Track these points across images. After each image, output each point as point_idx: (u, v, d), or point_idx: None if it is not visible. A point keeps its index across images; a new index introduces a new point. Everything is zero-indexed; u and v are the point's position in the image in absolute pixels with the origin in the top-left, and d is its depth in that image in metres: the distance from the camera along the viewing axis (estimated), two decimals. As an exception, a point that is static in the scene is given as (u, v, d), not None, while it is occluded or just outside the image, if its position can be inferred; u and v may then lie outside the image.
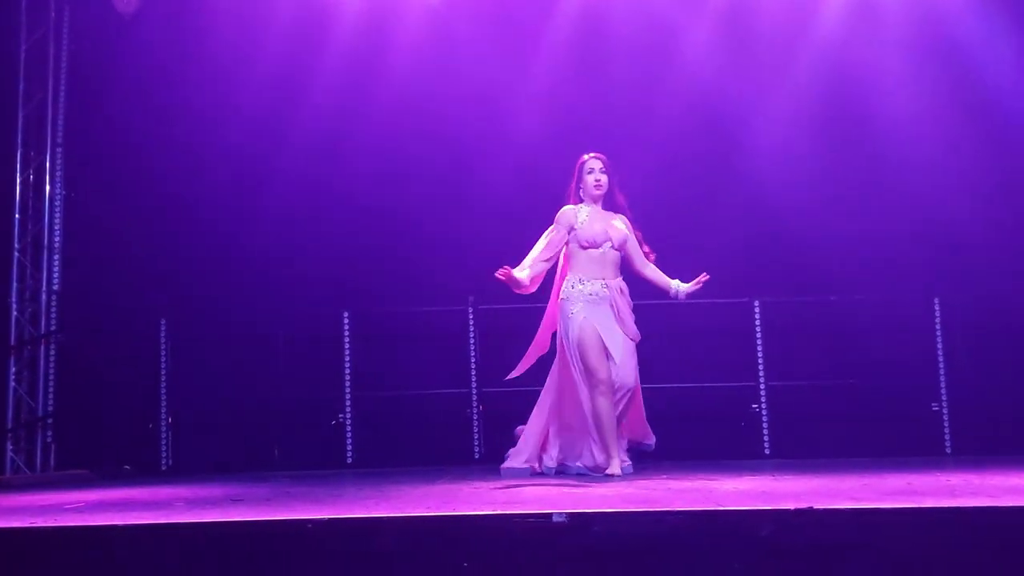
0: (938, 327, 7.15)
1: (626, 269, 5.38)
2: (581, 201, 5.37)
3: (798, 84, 7.36)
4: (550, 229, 5.30)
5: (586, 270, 5.22)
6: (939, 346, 7.13)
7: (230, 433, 7.14)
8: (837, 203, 7.21)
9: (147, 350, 7.21)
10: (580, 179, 5.37)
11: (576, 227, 5.25)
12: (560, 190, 7.15)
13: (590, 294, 5.18)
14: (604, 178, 5.32)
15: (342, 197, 7.35)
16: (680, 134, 7.24)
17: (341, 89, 7.39)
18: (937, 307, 7.16)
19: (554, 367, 5.31)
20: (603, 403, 5.04)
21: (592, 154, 5.38)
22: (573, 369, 5.13)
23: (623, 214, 5.40)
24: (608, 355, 5.10)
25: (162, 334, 7.21)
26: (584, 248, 5.23)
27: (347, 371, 7.16)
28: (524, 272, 5.12)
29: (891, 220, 7.26)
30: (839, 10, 7.40)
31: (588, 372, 5.08)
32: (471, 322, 7.20)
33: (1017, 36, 7.28)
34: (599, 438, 5.06)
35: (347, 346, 7.18)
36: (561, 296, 5.26)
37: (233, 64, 7.35)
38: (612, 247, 5.26)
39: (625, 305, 5.24)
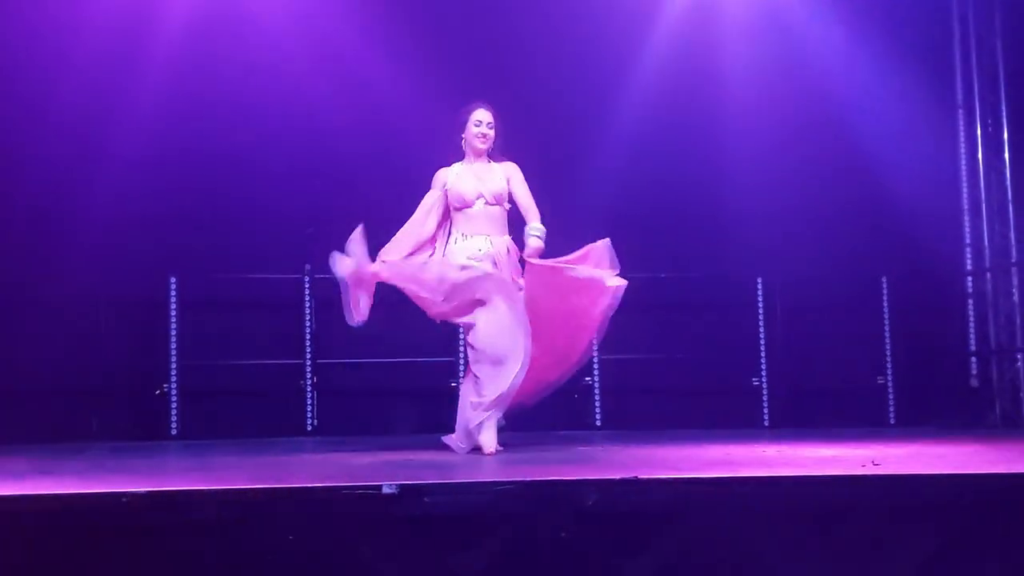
0: (760, 305, 7.49)
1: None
2: (464, 156, 5.00)
3: (644, 63, 7.52)
4: (428, 194, 4.97)
5: (466, 227, 4.87)
6: (760, 323, 7.47)
7: (44, 402, 6.71)
8: (669, 182, 7.43)
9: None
10: (464, 129, 4.96)
11: (448, 186, 4.93)
12: (407, 154, 7.12)
13: (476, 249, 4.81)
14: (491, 132, 4.95)
15: (170, 156, 7.01)
16: (526, 111, 7.26)
17: (173, 45, 7.04)
18: (759, 286, 7.50)
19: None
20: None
21: (479, 104, 4.99)
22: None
23: (514, 163, 5.01)
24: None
25: (-33, 295, 6.72)
26: (458, 209, 4.89)
27: (173, 338, 6.87)
28: (392, 256, 4.79)
29: (720, 201, 7.55)
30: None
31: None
32: (307, 291, 7.04)
33: (848, 25, 7.68)
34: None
35: (173, 312, 6.89)
36: (443, 254, 4.88)
37: (59, 20, 6.90)
38: (487, 203, 4.89)
39: (509, 265, 4.87)
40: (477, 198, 4.91)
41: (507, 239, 4.97)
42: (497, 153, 5.04)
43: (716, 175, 7.56)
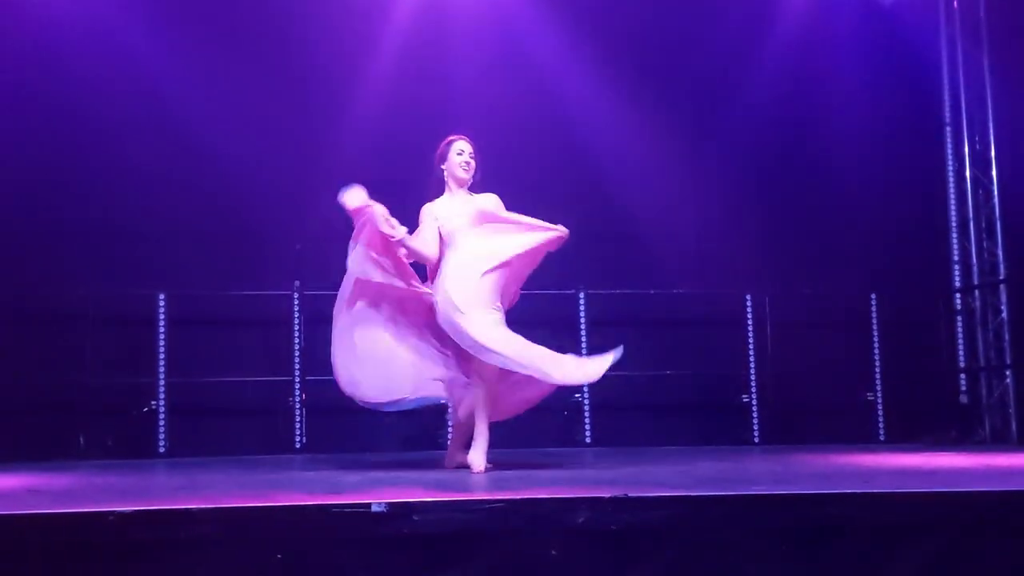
0: (749, 322, 7.50)
1: None
2: (445, 186, 4.94)
3: (635, 83, 7.56)
4: (426, 226, 4.87)
5: None
6: (750, 340, 7.48)
7: (32, 419, 6.68)
8: (657, 198, 7.46)
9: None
10: (445, 160, 4.91)
11: (440, 223, 4.85)
12: (396, 170, 7.15)
13: None
14: (473, 162, 4.91)
15: (159, 173, 7.01)
16: (518, 124, 7.28)
17: (168, 63, 7.06)
18: (748, 302, 7.51)
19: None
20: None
21: (460, 136, 4.96)
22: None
23: (495, 195, 4.97)
24: None
25: (-45, 313, 6.68)
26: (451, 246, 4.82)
27: (161, 356, 6.84)
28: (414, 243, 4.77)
29: (708, 217, 7.57)
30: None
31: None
32: (296, 307, 7.02)
33: (836, 44, 7.73)
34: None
35: (162, 329, 6.86)
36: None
37: (47, 33, 6.91)
38: None
39: None
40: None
41: None
42: (476, 186, 5.00)
43: (704, 192, 7.59)
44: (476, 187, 5.01)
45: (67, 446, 6.59)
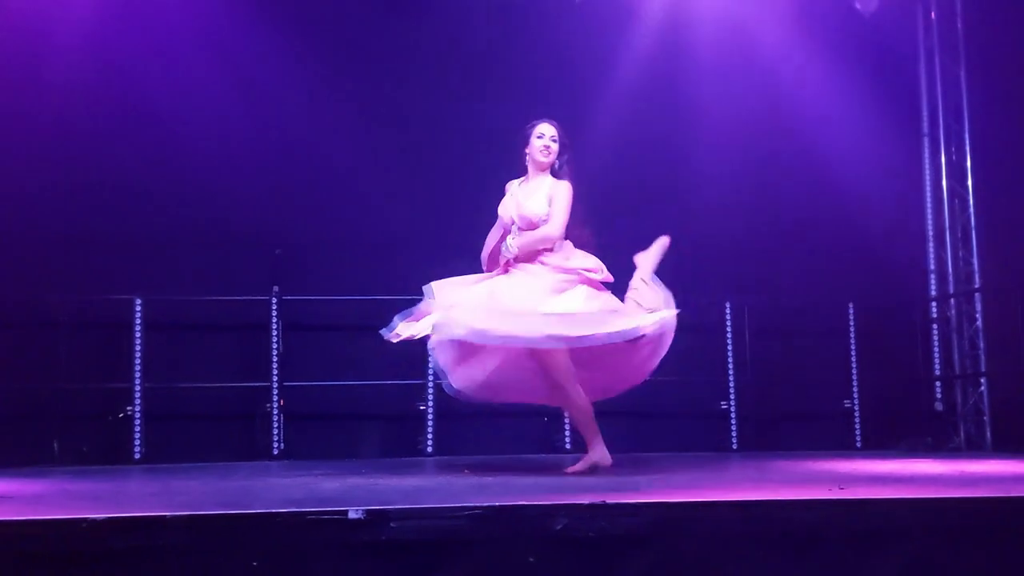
0: (728, 329, 7.53)
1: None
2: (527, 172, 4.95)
3: (615, 89, 7.58)
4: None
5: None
6: (729, 347, 7.51)
7: (5, 425, 6.60)
8: (637, 205, 7.46)
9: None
10: (528, 144, 4.92)
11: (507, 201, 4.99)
12: (377, 175, 7.15)
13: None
14: (555, 146, 4.87)
15: (136, 176, 6.96)
16: (496, 128, 7.29)
17: (148, 64, 7.02)
18: (728, 310, 7.54)
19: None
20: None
21: (544, 119, 4.93)
22: None
23: (566, 183, 4.89)
24: None
25: (-72, 317, 6.60)
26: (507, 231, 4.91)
27: (137, 361, 6.78)
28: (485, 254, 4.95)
29: (688, 225, 7.58)
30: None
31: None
32: (274, 313, 6.98)
33: (816, 56, 7.78)
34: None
35: (138, 334, 6.79)
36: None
37: (30, 34, 6.86)
38: (520, 228, 4.85)
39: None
40: (511, 223, 4.90)
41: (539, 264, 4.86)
42: (562, 171, 4.94)
43: (685, 199, 7.60)
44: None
45: (41, 452, 6.51)
